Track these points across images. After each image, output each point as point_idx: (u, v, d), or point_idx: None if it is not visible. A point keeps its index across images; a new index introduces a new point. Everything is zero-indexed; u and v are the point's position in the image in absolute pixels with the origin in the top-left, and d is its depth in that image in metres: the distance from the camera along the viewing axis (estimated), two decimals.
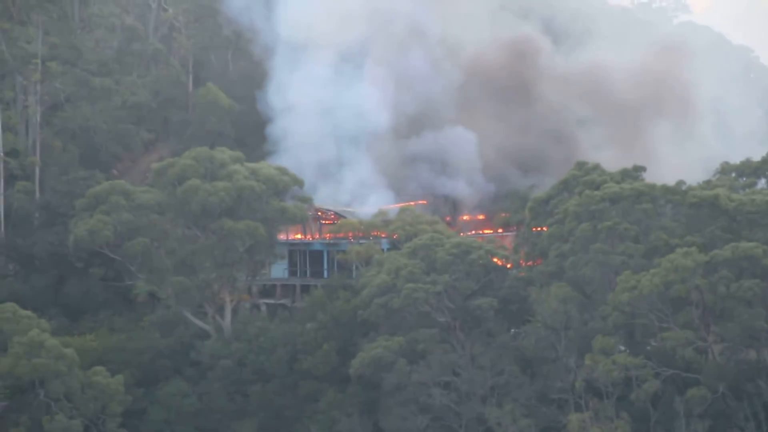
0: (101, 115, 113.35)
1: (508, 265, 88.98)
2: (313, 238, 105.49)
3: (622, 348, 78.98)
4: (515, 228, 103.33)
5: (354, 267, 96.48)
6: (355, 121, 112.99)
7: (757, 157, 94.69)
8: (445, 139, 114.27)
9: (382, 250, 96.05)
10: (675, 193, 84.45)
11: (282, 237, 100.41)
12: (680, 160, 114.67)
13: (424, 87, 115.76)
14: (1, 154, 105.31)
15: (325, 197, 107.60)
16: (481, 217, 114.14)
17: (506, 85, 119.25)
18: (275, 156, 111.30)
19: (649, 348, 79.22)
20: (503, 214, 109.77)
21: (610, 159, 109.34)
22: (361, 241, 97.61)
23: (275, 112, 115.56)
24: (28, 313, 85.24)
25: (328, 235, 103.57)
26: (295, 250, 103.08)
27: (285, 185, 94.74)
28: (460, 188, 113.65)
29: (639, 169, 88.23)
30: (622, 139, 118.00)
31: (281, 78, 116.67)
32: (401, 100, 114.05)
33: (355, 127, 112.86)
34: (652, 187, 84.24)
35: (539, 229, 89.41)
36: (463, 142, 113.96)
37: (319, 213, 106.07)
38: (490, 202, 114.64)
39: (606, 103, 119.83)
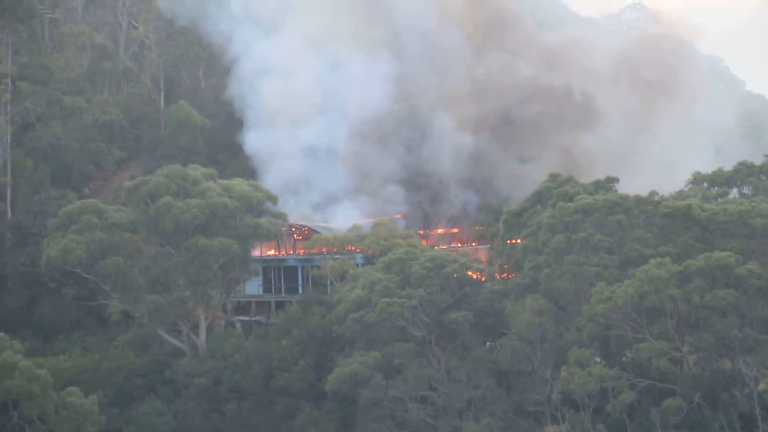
0: (73, 133, 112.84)
1: (483, 278, 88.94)
2: (287, 254, 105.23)
3: (598, 359, 78.98)
4: (489, 241, 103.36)
5: (329, 282, 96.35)
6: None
7: (728, 167, 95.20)
8: (425, 128, 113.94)
9: (357, 264, 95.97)
10: (648, 204, 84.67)
11: (256, 253, 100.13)
12: (652, 170, 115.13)
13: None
14: None
15: (296, 209, 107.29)
16: (455, 230, 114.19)
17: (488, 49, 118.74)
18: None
19: (624, 359, 79.19)
20: (477, 227, 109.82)
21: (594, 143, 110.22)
22: (335, 257, 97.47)
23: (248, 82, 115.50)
24: (1, 334, 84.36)
25: (302, 250, 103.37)
26: (269, 267, 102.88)
27: (258, 201, 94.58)
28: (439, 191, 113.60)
29: (611, 180, 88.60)
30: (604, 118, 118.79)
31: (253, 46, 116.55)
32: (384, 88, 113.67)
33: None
34: (625, 198, 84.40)
35: (513, 241, 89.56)
36: (443, 131, 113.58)
37: (293, 229, 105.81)
38: (465, 212, 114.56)
39: (586, 76, 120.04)
